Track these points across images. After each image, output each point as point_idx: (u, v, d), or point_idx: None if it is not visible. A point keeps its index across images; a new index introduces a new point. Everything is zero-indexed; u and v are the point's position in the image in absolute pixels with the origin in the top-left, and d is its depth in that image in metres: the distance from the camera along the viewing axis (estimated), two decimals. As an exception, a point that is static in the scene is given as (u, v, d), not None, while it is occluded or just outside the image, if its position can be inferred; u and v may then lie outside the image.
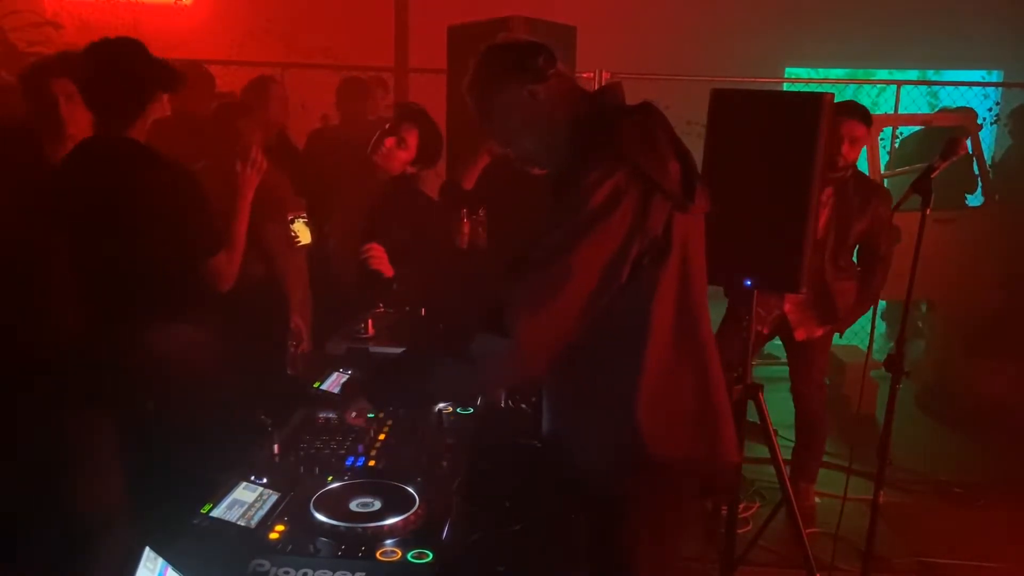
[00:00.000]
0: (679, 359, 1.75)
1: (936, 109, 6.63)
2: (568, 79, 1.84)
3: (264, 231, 3.13)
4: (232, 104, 3.40)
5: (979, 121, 5.68)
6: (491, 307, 1.67)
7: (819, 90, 2.50)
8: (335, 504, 1.71)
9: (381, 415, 2.19)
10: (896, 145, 5.96)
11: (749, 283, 2.69)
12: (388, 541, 1.60)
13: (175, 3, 8.12)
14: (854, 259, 3.69)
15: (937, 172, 2.56)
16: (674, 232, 1.69)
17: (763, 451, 2.85)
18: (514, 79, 1.78)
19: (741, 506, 3.17)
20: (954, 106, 6.21)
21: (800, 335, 3.59)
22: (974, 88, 6.47)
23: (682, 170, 1.71)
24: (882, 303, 5.62)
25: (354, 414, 1.94)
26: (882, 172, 5.16)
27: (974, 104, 6.11)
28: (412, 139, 3.21)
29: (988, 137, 6.60)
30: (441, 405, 2.28)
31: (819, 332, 3.59)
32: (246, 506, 1.71)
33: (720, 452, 1.84)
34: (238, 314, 2.85)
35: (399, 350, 2.22)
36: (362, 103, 5.14)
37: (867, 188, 3.55)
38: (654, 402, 1.73)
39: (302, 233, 3.08)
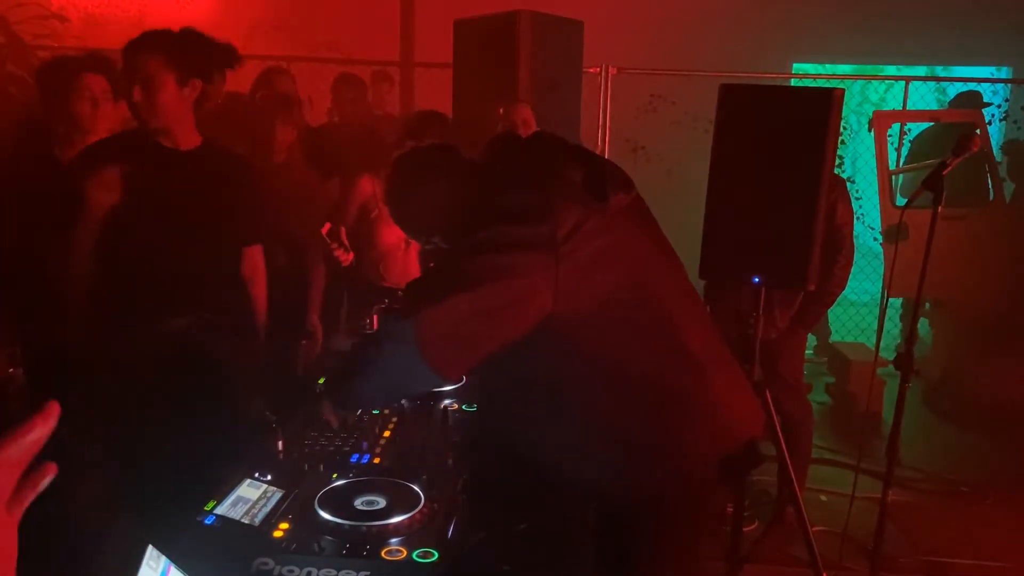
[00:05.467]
0: (649, 359, 1.72)
1: (944, 106, 6.59)
2: (475, 164, 1.91)
3: (289, 226, 3.12)
4: (275, 97, 3.39)
5: (987, 118, 5.63)
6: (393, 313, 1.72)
7: (827, 85, 2.48)
8: (340, 502, 1.70)
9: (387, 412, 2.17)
10: (905, 142, 5.91)
11: (757, 280, 2.67)
12: (393, 540, 1.58)
13: (180, -5, 8.08)
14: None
15: (950, 168, 2.52)
16: (595, 234, 1.66)
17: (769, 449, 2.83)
18: (423, 180, 1.88)
19: (746, 503, 3.15)
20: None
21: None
22: (982, 84, 6.41)
23: (586, 175, 1.76)
24: (898, 301, 5.58)
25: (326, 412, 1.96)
26: (891, 169, 5.12)
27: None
28: None
29: (996, 134, 6.54)
30: (446, 402, 2.26)
31: (773, 333, 3.50)
32: (250, 503, 1.70)
33: (732, 433, 1.80)
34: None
35: None
36: (360, 98, 5.11)
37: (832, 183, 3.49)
38: (633, 405, 1.71)
39: None
